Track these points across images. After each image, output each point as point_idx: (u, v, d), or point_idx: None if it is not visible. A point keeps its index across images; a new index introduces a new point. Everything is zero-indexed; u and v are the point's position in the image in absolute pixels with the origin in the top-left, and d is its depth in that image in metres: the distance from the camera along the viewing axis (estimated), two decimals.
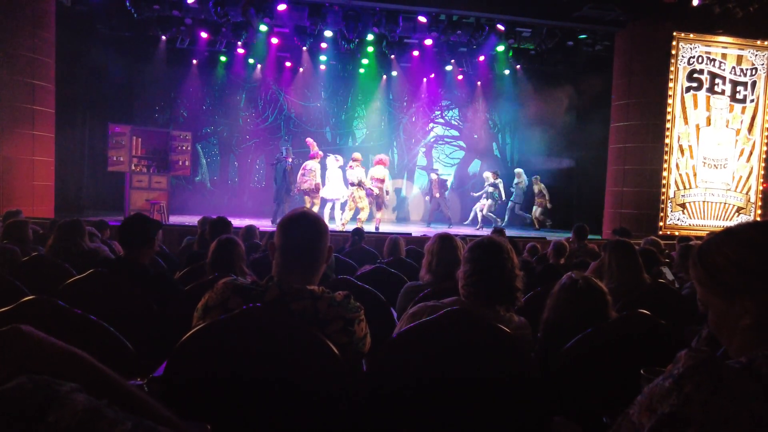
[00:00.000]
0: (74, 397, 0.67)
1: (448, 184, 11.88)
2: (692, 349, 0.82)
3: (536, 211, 12.06)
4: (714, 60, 9.38)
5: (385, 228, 10.07)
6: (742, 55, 9.42)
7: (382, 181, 9.40)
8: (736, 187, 9.55)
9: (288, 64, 12.89)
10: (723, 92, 9.40)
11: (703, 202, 9.50)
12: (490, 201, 11.31)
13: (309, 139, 10.27)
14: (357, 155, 9.34)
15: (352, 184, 9.11)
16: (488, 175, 11.65)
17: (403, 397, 1.56)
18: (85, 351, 0.87)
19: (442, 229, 10.58)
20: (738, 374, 0.78)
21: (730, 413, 0.74)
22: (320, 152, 9.77)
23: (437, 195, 11.40)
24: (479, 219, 11.55)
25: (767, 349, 0.82)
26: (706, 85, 9.35)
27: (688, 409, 0.76)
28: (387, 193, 9.71)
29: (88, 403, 0.68)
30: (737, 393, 0.75)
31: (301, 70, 13.17)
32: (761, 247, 0.86)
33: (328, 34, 10.77)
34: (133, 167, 10.13)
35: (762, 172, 9.57)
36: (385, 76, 13.79)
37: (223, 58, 12.56)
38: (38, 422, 0.64)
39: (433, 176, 11.65)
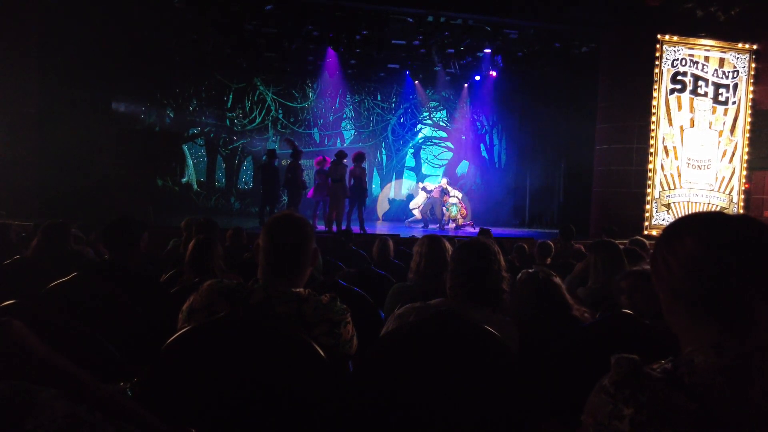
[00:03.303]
0: (54, 404, 0.66)
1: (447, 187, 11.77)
2: (621, 359, 0.82)
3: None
4: (697, 62, 9.51)
5: (375, 230, 10.06)
6: (724, 58, 9.56)
7: (360, 177, 9.31)
8: (719, 187, 9.69)
9: (275, 64, 12.84)
10: (706, 94, 9.53)
11: (688, 202, 9.62)
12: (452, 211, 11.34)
13: (287, 140, 10.34)
14: (341, 152, 9.33)
15: (335, 181, 9.08)
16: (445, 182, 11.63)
17: (390, 399, 1.56)
18: (68, 355, 0.86)
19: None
20: (662, 385, 0.79)
21: (654, 428, 0.76)
22: (300, 150, 9.76)
23: (436, 196, 11.39)
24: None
25: (691, 352, 0.84)
26: (689, 87, 9.48)
27: (621, 423, 0.78)
28: (365, 189, 9.62)
29: (68, 409, 0.67)
30: (661, 408, 0.77)
31: (288, 70, 13.13)
32: (691, 257, 0.87)
33: (315, 34, 10.75)
34: (119, 169, 10.01)
35: (744, 172, 9.72)
36: (373, 77, 13.80)
37: (210, 59, 12.47)
38: (17, 429, 0.63)
39: (443, 180, 11.69)
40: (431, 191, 11.53)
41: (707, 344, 0.83)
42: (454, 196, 11.44)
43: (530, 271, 2.26)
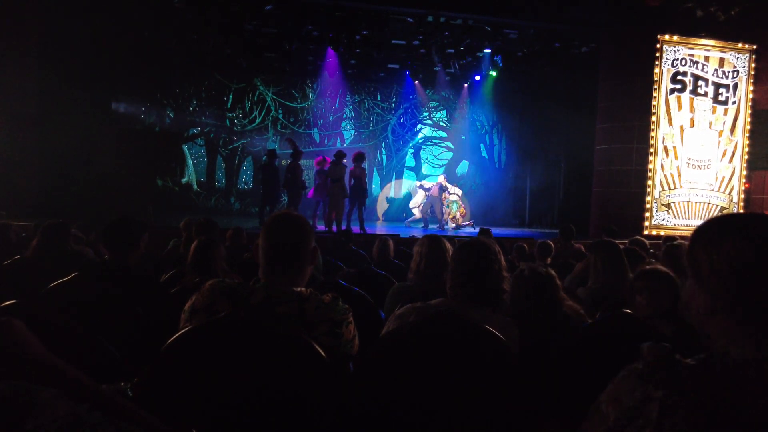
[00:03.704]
0: (54, 403, 0.66)
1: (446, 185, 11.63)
2: (653, 345, 0.84)
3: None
4: (697, 62, 9.51)
5: (376, 230, 10.06)
6: (724, 58, 9.57)
7: (360, 178, 9.29)
8: (719, 187, 9.69)
9: (275, 65, 12.85)
10: (706, 94, 9.53)
11: (688, 202, 9.62)
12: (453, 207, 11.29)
13: (288, 140, 10.36)
14: (340, 152, 9.31)
15: (334, 181, 9.06)
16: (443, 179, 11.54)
17: (391, 399, 1.56)
18: (68, 355, 0.85)
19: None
20: (695, 371, 0.80)
21: (685, 412, 0.77)
22: (300, 150, 9.77)
23: (435, 194, 11.30)
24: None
25: (726, 345, 0.85)
26: (689, 87, 9.48)
27: (648, 406, 0.79)
28: (365, 189, 9.59)
29: (69, 409, 0.67)
30: (692, 392, 0.78)
31: (288, 70, 13.13)
32: (743, 260, 0.87)
33: (315, 35, 10.75)
34: (119, 169, 10.00)
35: (744, 172, 9.72)
36: (373, 77, 13.80)
37: (210, 59, 12.47)
38: (17, 429, 0.63)
39: (441, 178, 11.54)
40: (429, 189, 11.45)
41: (747, 340, 0.84)
42: (453, 194, 11.35)
43: (522, 268, 2.30)
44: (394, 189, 14.75)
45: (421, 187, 11.87)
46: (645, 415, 0.79)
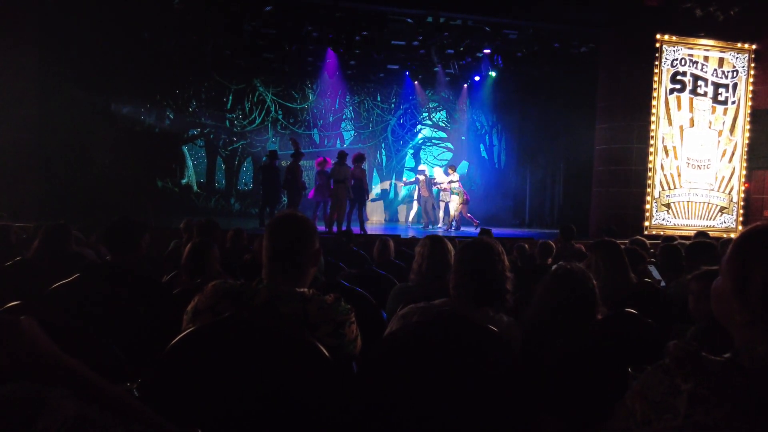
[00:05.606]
0: (64, 403, 0.67)
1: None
2: (680, 342, 0.85)
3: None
4: (696, 62, 9.52)
5: (375, 230, 10.06)
6: (723, 58, 9.58)
7: (360, 178, 9.29)
8: (719, 187, 9.70)
9: (275, 65, 12.84)
10: (705, 94, 9.54)
11: (688, 202, 9.63)
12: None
13: (292, 139, 10.37)
14: (343, 153, 9.33)
15: (338, 182, 9.07)
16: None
17: (394, 399, 1.56)
18: (72, 357, 0.85)
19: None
20: (722, 367, 0.82)
21: (713, 403, 0.78)
22: (302, 151, 9.79)
23: (426, 194, 11.26)
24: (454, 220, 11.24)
25: (753, 342, 0.85)
26: (689, 87, 9.49)
27: (676, 399, 0.80)
28: (365, 190, 9.59)
29: (78, 409, 0.67)
30: (720, 384, 0.79)
31: (288, 71, 13.13)
32: None
33: (315, 35, 10.75)
34: (119, 170, 10.01)
35: (744, 172, 9.73)
36: (373, 78, 13.81)
37: (209, 60, 12.47)
38: (27, 429, 0.63)
39: (421, 177, 11.41)
40: (414, 181, 11.35)
41: None
42: (453, 182, 11.06)
43: (565, 265, 2.11)
44: (394, 189, 14.76)
45: (406, 184, 11.84)
46: (673, 408, 0.80)
